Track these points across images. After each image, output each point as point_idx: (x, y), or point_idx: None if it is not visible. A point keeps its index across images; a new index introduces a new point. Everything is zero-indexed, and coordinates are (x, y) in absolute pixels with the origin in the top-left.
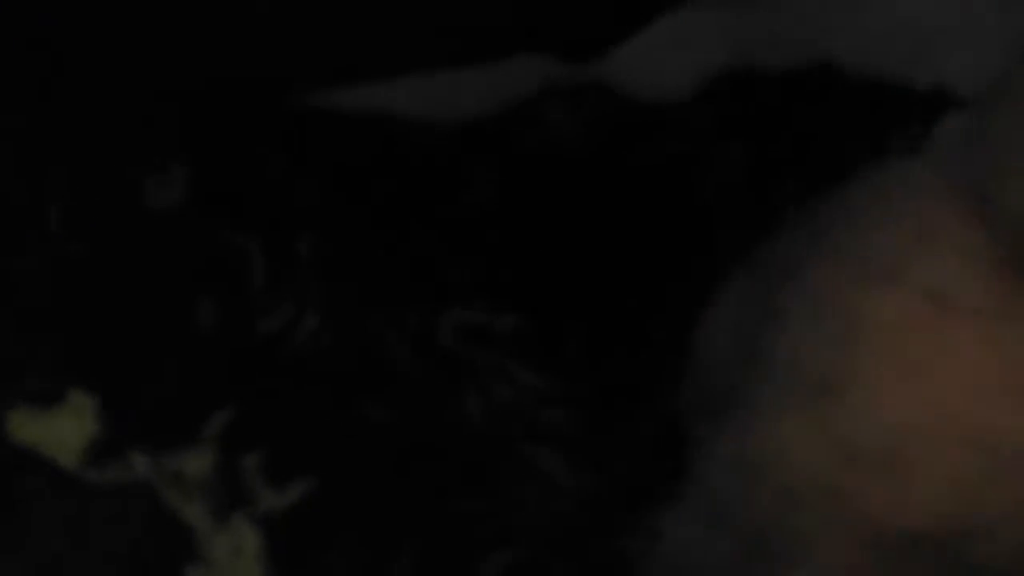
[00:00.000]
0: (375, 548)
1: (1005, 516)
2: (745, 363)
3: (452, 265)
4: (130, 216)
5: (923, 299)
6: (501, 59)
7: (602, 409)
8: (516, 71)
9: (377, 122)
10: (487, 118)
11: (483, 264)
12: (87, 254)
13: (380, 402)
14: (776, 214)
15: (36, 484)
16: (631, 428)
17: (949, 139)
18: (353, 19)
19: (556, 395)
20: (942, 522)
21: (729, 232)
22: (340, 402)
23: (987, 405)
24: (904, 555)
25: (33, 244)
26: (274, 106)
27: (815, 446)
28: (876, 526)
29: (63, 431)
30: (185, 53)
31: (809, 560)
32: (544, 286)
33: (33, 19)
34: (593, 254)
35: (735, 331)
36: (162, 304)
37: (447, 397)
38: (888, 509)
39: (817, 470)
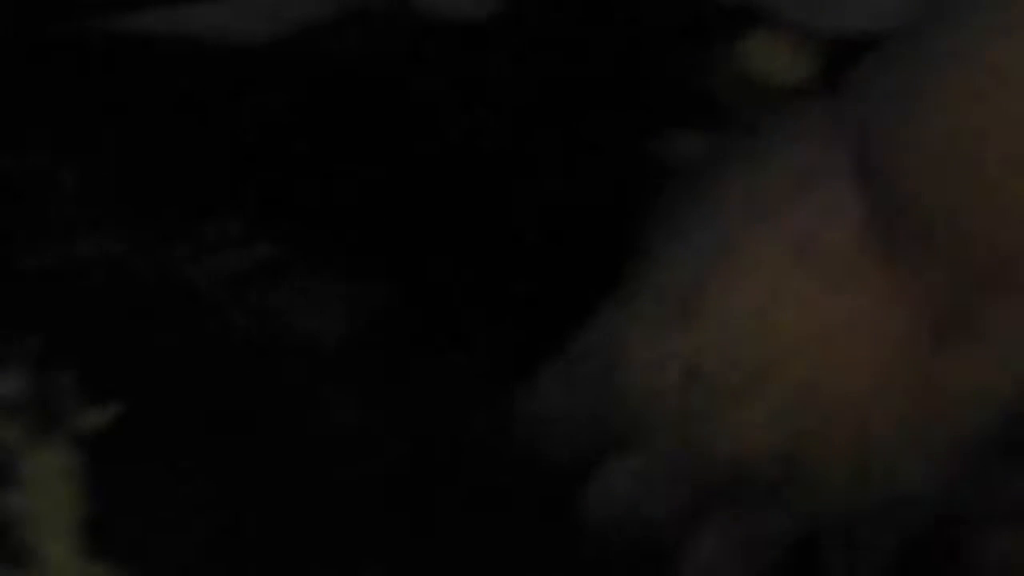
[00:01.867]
0: (183, 468)
1: (825, 463)
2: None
3: (254, 188)
4: None
5: (787, 243)
6: None
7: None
8: None
9: (172, 44)
10: (282, 40)
11: (278, 188)
12: None
13: (178, 325)
14: (569, 136)
15: None
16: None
17: (849, 85)
18: None
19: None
20: (769, 461)
21: (522, 158)
22: (143, 326)
23: (824, 353)
24: (734, 494)
25: None
26: (65, 28)
27: (665, 367)
28: (710, 455)
29: None
30: None
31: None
32: (337, 213)
33: None
34: (383, 180)
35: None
36: None
37: (248, 314)
38: (722, 436)
39: (665, 390)
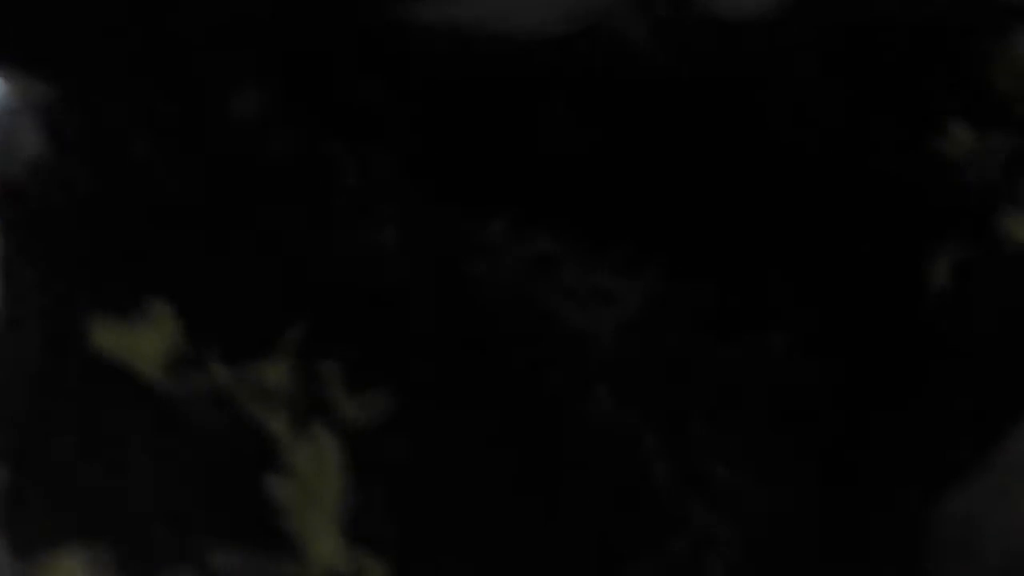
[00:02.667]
0: (455, 461)
1: None
2: None
3: (533, 182)
4: (214, 127)
5: None
6: None
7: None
8: None
9: (451, 35)
10: (562, 33)
11: (557, 183)
12: (168, 165)
13: (450, 319)
14: (856, 143)
15: (117, 393)
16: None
17: None
18: None
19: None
20: None
21: (807, 160)
22: (414, 319)
23: None
24: None
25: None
26: (349, 18)
27: None
28: None
29: (144, 341)
30: None
31: None
32: (621, 209)
33: None
34: (667, 175)
35: None
36: (242, 214)
37: (524, 312)
38: None
39: None
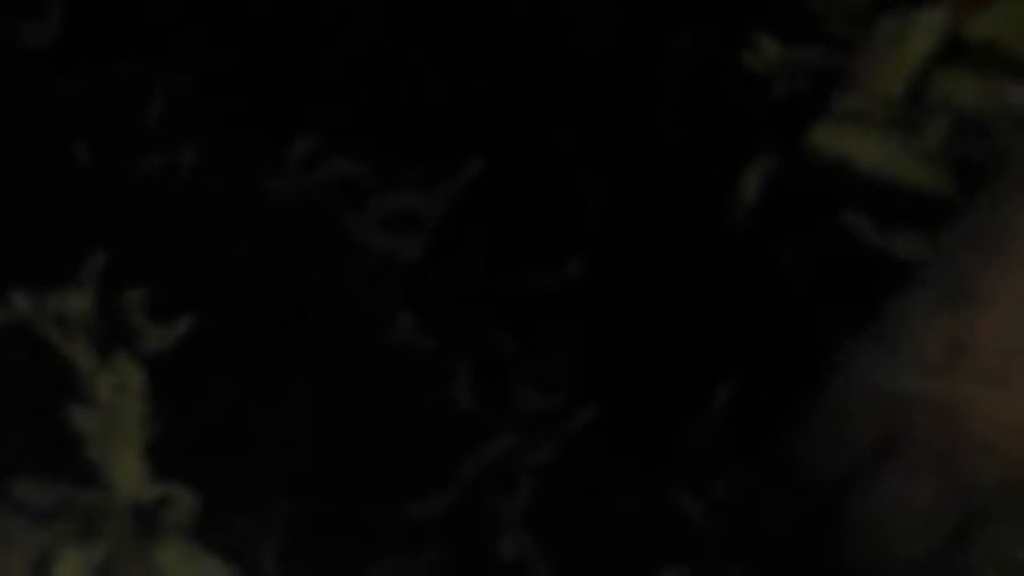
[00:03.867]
0: (256, 387)
1: None
2: None
3: (333, 103)
4: (5, 57)
5: None
6: None
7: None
8: None
9: None
10: None
11: (359, 103)
12: None
13: (259, 240)
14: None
15: None
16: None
17: None
18: None
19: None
20: None
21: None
22: (219, 242)
23: None
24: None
25: None
26: None
27: (932, 346)
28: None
29: None
30: None
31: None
32: (434, 128)
33: None
34: (470, 90)
35: None
36: (37, 144)
37: (325, 235)
38: (980, 419)
39: (930, 369)
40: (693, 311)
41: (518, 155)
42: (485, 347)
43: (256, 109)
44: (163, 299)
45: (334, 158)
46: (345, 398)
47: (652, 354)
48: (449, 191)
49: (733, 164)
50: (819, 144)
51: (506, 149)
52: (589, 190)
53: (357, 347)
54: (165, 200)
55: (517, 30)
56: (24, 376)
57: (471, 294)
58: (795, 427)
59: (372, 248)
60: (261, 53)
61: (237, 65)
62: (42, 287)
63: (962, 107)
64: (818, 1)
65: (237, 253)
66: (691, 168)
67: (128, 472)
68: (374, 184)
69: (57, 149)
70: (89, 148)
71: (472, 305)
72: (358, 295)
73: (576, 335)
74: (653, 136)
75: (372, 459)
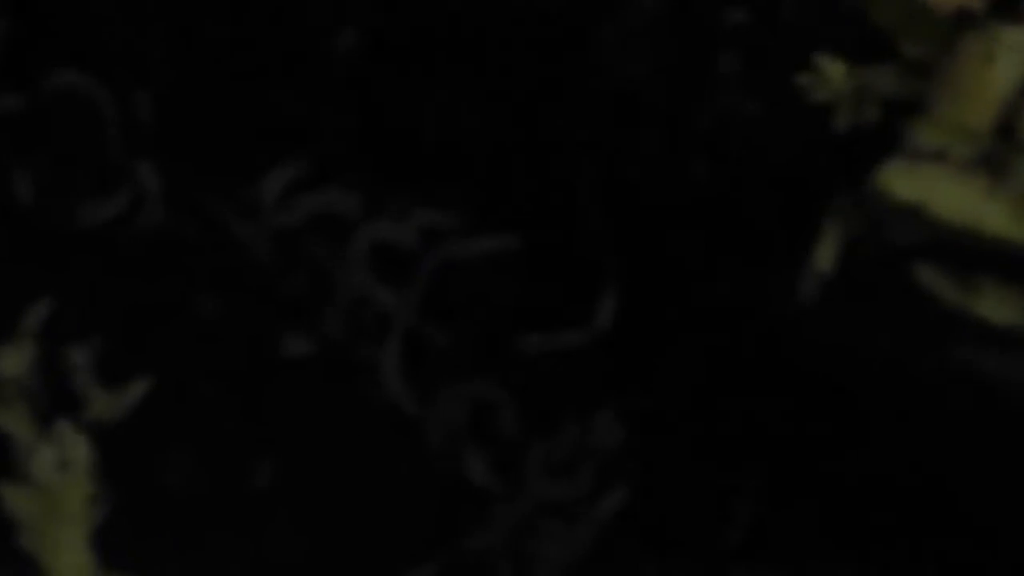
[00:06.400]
0: (222, 457)
1: None
2: None
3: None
4: None
5: None
6: None
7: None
8: None
9: None
10: None
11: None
12: None
13: (220, 291)
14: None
15: None
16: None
17: None
18: None
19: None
20: None
21: None
22: (181, 292)
23: None
24: None
25: None
26: None
27: None
28: None
29: None
30: None
31: None
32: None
33: None
34: (476, 114)
35: None
36: None
37: (303, 281)
38: None
39: None
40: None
41: (543, 207)
42: (486, 418)
43: (223, 136)
44: (113, 360)
45: (312, 191)
46: (329, 473)
47: (690, 436)
48: (447, 227)
49: (792, 215)
50: (889, 187)
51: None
52: (614, 242)
53: (339, 413)
54: (119, 242)
55: (542, 61)
56: None
57: (471, 351)
58: None
59: (356, 293)
60: (228, 69)
61: (201, 83)
62: None
63: None
64: (890, 16)
65: (202, 305)
66: (739, 221)
67: (71, 564)
68: (357, 215)
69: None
70: (29, 179)
71: (472, 365)
72: (340, 350)
73: (599, 409)
74: (690, 179)
75: (353, 543)
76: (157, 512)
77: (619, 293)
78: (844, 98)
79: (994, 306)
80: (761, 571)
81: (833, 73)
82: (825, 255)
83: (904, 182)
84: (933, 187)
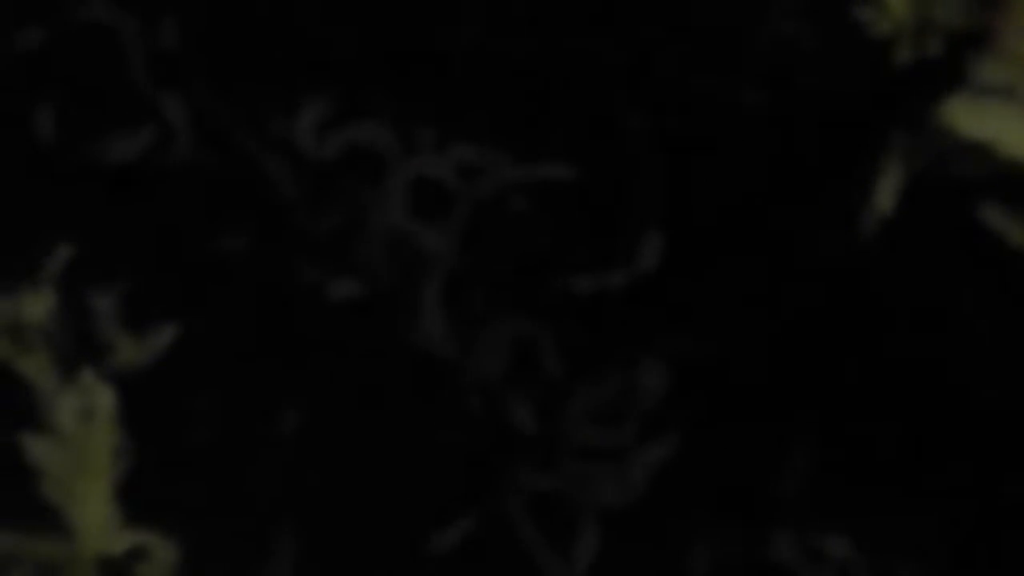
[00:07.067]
0: (246, 409)
1: None
2: None
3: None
4: None
5: None
6: None
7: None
8: None
9: None
10: None
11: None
12: None
13: (251, 230)
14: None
15: None
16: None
17: None
18: None
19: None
20: None
21: None
22: (207, 232)
23: None
24: None
25: None
26: None
27: None
28: None
29: None
30: None
31: None
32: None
33: None
34: (517, 38)
35: None
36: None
37: (337, 221)
38: None
39: None
40: (793, 338)
41: (574, 130)
42: (529, 364)
43: (251, 66)
44: (139, 304)
45: (347, 124)
46: (366, 421)
47: (746, 377)
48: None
49: (852, 152)
50: (954, 124)
51: (556, 121)
52: (663, 176)
53: (373, 357)
54: (145, 180)
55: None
56: None
57: (513, 294)
58: None
59: (393, 234)
60: None
61: (227, 10)
62: None
63: None
64: None
65: (228, 247)
66: (796, 156)
67: (95, 517)
68: (393, 152)
69: (12, 115)
70: (51, 115)
71: (514, 308)
72: (374, 292)
73: (649, 349)
74: (745, 112)
75: (387, 491)
76: (183, 464)
77: (666, 232)
78: (906, 30)
79: None
80: (815, 522)
81: (895, 4)
82: (886, 192)
83: (969, 119)
84: (1000, 124)
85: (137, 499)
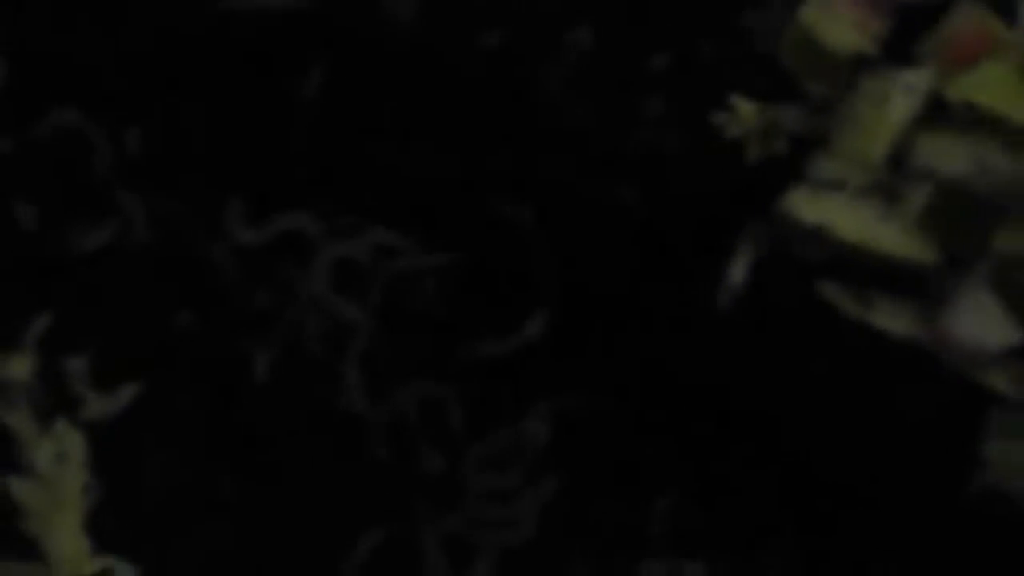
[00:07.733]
0: (196, 455)
1: None
2: None
3: (280, 164)
4: None
5: None
6: None
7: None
8: None
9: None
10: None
11: (312, 161)
12: None
13: (196, 307)
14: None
15: None
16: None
17: None
18: None
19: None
20: None
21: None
22: (164, 308)
23: None
24: None
25: None
26: None
27: None
28: None
29: None
30: None
31: None
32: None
33: None
34: (426, 144)
35: None
36: None
37: (266, 301)
38: None
39: None
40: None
41: (471, 217)
42: (436, 418)
43: (199, 168)
44: (106, 366)
45: (276, 214)
46: (295, 466)
47: (619, 428)
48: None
49: (710, 237)
50: (795, 211)
51: (458, 212)
52: (550, 259)
53: (306, 415)
54: (109, 264)
55: (475, 90)
56: None
57: (421, 359)
58: None
59: (321, 308)
60: (207, 107)
61: (183, 121)
62: None
63: (946, 173)
64: (796, 61)
65: (182, 319)
66: (664, 241)
67: (68, 545)
68: (318, 235)
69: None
70: (33, 209)
71: (422, 371)
72: (302, 357)
73: (534, 405)
74: (619, 205)
75: (322, 530)
76: (141, 501)
77: (551, 307)
78: (755, 134)
79: (888, 318)
80: (677, 551)
81: (745, 112)
82: (738, 271)
83: (808, 207)
84: (834, 211)
85: (103, 530)
